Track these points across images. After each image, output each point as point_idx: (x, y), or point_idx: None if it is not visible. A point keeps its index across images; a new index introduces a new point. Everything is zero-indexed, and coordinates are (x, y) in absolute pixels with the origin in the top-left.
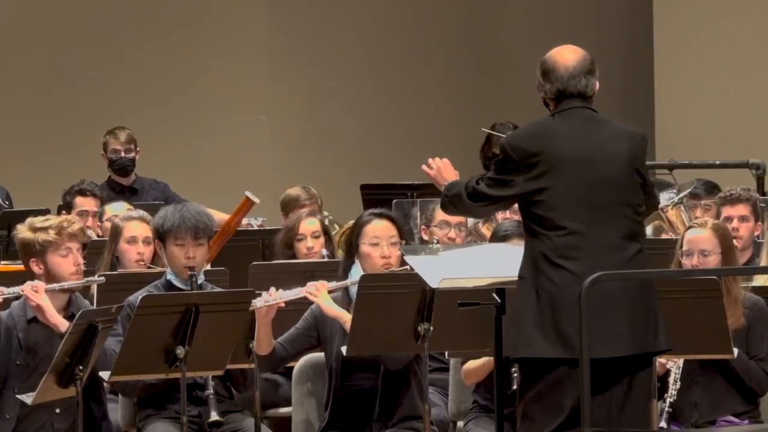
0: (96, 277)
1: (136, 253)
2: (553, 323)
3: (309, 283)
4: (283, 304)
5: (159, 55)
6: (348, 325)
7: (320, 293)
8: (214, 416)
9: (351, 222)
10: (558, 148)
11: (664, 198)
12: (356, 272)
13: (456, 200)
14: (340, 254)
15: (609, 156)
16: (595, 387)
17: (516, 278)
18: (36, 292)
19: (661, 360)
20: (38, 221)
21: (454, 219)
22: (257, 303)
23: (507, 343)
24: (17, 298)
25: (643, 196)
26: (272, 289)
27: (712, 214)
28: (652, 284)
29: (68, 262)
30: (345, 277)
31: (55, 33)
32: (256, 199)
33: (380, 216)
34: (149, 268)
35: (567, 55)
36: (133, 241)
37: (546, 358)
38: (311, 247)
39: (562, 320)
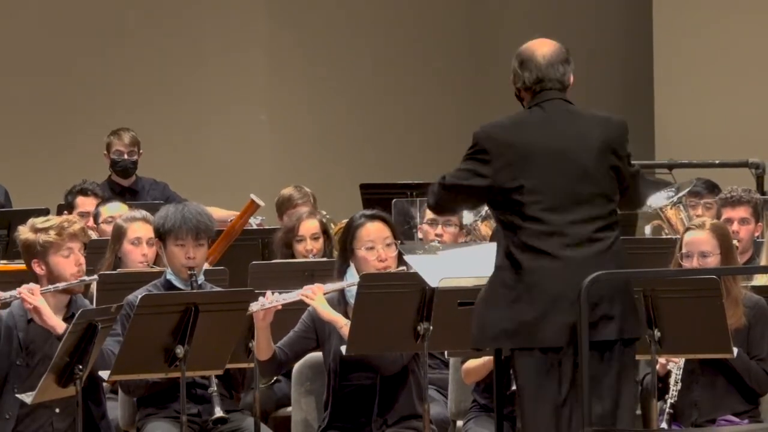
0: (90, 276)
1: (140, 254)
2: (523, 313)
3: (306, 287)
4: (279, 307)
5: (159, 55)
6: (344, 330)
7: (317, 296)
8: (219, 413)
9: (345, 221)
10: (532, 139)
11: (663, 197)
12: (351, 275)
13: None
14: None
15: (583, 146)
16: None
17: None
18: (32, 295)
19: (661, 360)
20: (39, 222)
21: (441, 216)
22: (254, 307)
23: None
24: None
25: (623, 185)
26: (268, 293)
27: (712, 213)
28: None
29: (70, 263)
30: (340, 279)
31: (55, 32)
32: (261, 202)
33: (372, 218)
34: (151, 268)
35: (543, 46)
36: (137, 242)
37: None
38: (310, 250)
39: (530, 311)
